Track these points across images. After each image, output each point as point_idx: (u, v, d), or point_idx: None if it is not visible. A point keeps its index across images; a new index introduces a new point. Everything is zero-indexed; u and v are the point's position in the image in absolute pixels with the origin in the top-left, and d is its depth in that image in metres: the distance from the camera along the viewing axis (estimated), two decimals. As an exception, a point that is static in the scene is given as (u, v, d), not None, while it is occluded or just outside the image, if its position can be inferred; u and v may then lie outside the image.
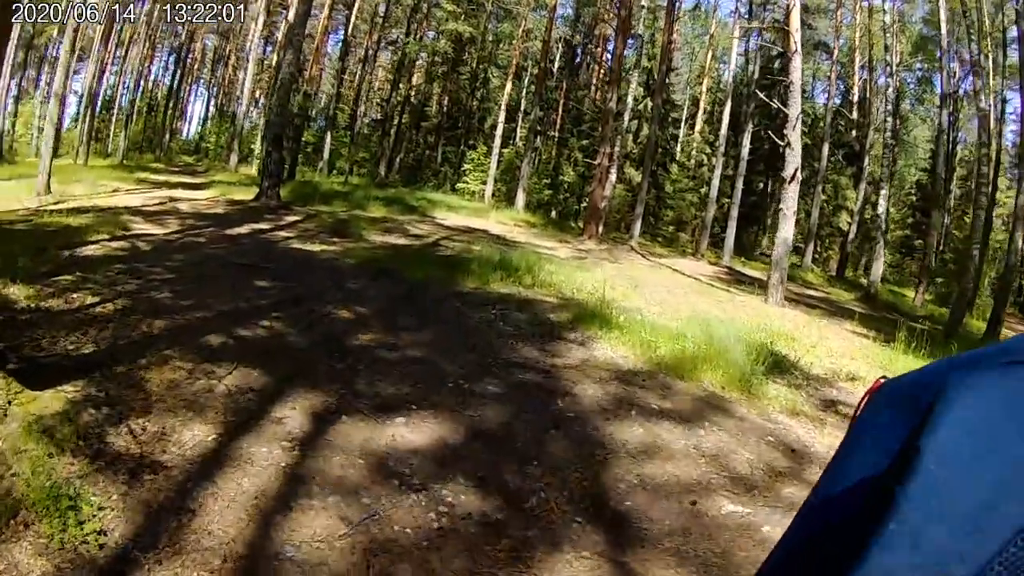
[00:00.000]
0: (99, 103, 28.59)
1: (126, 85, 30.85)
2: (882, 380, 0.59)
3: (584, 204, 22.29)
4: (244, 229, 9.22)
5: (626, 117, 20.12)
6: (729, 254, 17.52)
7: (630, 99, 20.08)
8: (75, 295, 4.54)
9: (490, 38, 27.92)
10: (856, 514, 0.48)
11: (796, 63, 10.51)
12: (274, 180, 13.21)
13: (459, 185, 24.72)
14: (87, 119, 23.95)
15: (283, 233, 9.48)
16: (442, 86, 28.39)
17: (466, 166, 25.37)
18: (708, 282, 11.57)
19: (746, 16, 20.48)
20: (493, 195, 23.08)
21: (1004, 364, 0.49)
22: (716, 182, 18.94)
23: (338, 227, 10.54)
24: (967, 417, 0.47)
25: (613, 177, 17.53)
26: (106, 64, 28.67)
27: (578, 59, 28.09)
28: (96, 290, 4.72)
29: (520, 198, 20.96)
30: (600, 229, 15.97)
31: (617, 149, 18.21)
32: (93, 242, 6.76)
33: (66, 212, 8.79)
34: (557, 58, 27.03)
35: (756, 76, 19.67)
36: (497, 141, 23.55)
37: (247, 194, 13.62)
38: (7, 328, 3.71)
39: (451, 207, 17.01)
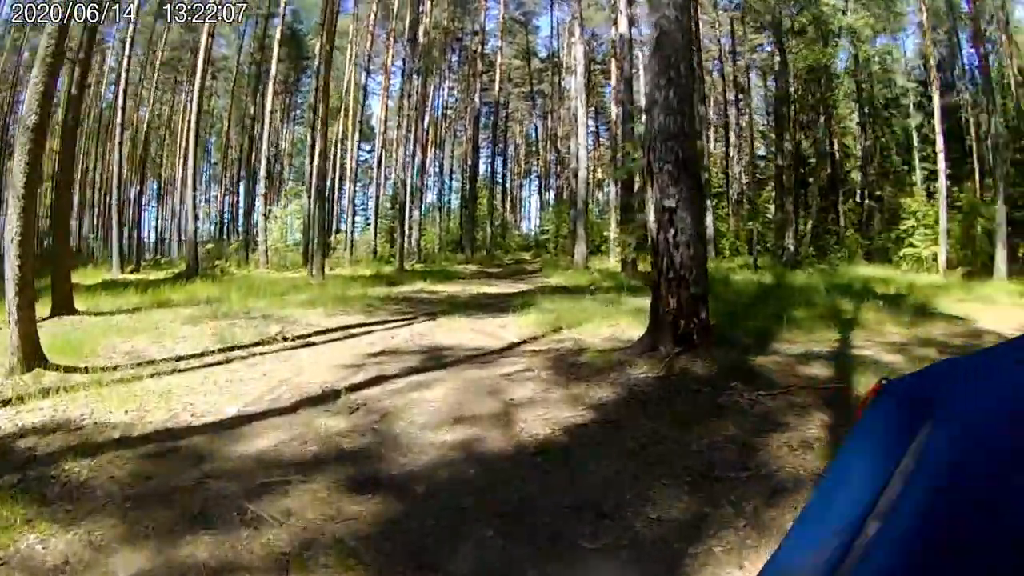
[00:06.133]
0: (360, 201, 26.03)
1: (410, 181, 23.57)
2: (883, 382, 0.63)
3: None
4: None
5: None
6: None
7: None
8: None
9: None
10: (861, 513, 0.47)
11: None
12: (691, 292, 4.72)
13: (905, 251, 17.93)
14: (315, 221, 15.09)
15: None
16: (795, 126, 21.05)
17: (906, 223, 18.40)
18: None
19: None
20: (947, 260, 16.31)
21: (1011, 364, 0.50)
22: None
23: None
24: (971, 415, 0.47)
25: None
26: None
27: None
28: None
29: (1001, 259, 13.63)
30: None
31: None
32: None
33: None
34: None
35: None
36: (942, 179, 16.66)
37: (615, 324, 6.11)
38: None
39: (962, 296, 9.39)
